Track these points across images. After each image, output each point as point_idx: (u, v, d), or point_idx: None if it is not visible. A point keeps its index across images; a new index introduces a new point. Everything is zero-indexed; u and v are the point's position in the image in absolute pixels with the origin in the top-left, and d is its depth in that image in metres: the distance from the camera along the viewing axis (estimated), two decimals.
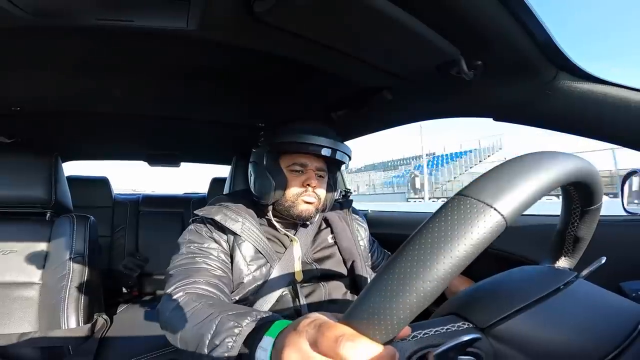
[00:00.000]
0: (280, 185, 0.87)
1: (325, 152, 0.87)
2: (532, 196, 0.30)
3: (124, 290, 1.95)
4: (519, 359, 0.36)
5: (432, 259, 0.27)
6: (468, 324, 0.39)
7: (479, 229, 0.27)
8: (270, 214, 0.92)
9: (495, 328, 0.38)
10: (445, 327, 0.38)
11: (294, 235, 0.93)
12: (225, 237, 0.87)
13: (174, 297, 0.71)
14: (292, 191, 0.89)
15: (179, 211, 2.15)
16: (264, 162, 0.89)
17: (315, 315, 0.36)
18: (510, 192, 0.29)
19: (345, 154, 0.92)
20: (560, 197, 0.46)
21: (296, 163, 0.90)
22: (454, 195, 0.31)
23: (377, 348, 0.29)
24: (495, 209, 0.28)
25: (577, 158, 0.36)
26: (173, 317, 0.67)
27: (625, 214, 0.82)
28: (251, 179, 0.93)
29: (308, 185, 0.89)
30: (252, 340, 0.50)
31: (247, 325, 0.53)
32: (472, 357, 0.34)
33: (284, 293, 0.85)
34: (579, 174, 0.36)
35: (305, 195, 0.89)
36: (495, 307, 0.40)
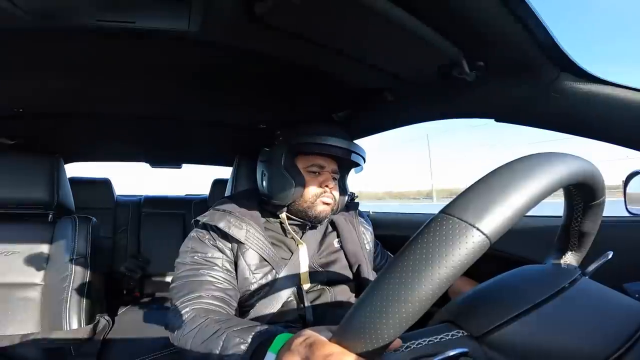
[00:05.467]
0: (299, 185, 0.87)
1: (346, 154, 0.88)
2: (519, 211, 0.29)
3: (125, 292, 1.95)
4: None
5: (413, 282, 0.28)
6: (462, 332, 0.39)
7: (461, 251, 0.27)
8: (284, 214, 0.91)
9: (491, 336, 0.37)
10: (439, 337, 0.38)
11: (301, 238, 0.93)
12: (229, 245, 0.86)
13: (181, 312, 0.73)
14: (311, 192, 0.89)
15: (180, 212, 2.15)
16: (282, 162, 0.88)
17: (308, 333, 0.38)
18: (494, 210, 0.29)
19: (362, 157, 0.93)
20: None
21: (314, 164, 0.91)
22: (438, 212, 0.31)
23: None
24: (478, 229, 0.28)
25: (570, 159, 0.35)
26: (182, 333, 0.69)
27: (627, 215, 0.82)
28: (264, 179, 0.92)
29: (326, 186, 0.90)
30: (257, 355, 0.53)
31: (252, 341, 0.56)
32: None
33: (289, 299, 0.84)
34: (572, 177, 0.35)
35: (323, 197, 0.90)
36: (491, 314, 0.39)
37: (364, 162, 0.96)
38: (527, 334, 0.37)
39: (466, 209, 0.29)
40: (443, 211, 0.30)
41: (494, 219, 0.28)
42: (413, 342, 0.37)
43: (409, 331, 0.32)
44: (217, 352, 0.59)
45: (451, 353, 0.32)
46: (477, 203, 0.29)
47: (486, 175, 0.32)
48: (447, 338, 0.38)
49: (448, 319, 0.42)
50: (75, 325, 1.07)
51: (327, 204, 0.90)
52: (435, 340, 0.37)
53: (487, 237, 0.28)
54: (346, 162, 0.94)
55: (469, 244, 0.27)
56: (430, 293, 0.27)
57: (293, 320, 0.82)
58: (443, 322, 0.42)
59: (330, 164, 0.92)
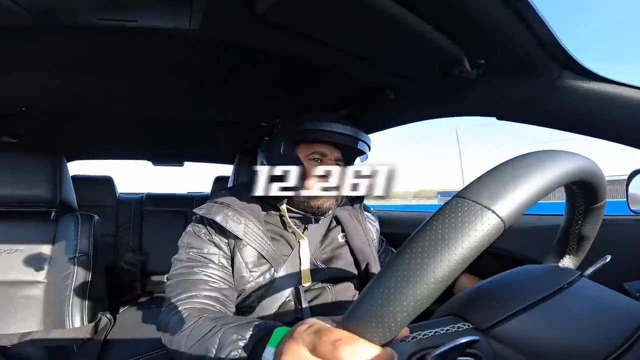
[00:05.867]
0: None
1: (350, 142, 0.85)
2: (532, 197, 0.30)
3: (126, 288, 1.95)
4: None
5: (429, 263, 0.28)
6: (468, 325, 0.39)
7: (477, 232, 0.27)
8: (284, 206, 0.86)
9: (496, 329, 0.38)
10: (445, 328, 0.38)
11: (303, 232, 0.88)
12: (226, 240, 0.81)
13: (174, 311, 0.70)
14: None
15: (182, 210, 2.16)
16: (282, 151, 0.84)
17: (312, 321, 0.37)
18: (509, 194, 0.29)
19: (367, 144, 0.89)
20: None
21: (316, 152, 0.86)
22: (453, 196, 0.31)
23: (376, 350, 0.29)
24: (493, 212, 0.28)
25: (578, 157, 0.35)
26: (175, 334, 0.66)
27: (629, 213, 0.82)
28: None
29: None
30: (256, 351, 0.51)
31: (250, 336, 0.54)
32: (471, 358, 0.34)
33: (287, 299, 0.81)
34: (580, 173, 0.35)
35: None
36: (496, 308, 0.40)
37: (369, 149, 0.92)
38: (529, 329, 0.37)
39: (481, 192, 0.29)
40: (458, 195, 0.31)
41: (509, 203, 0.29)
42: (419, 332, 0.37)
43: (414, 322, 0.31)
44: (214, 350, 0.56)
45: (463, 340, 0.32)
46: (492, 187, 0.30)
47: (500, 164, 0.33)
48: (453, 330, 0.38)
49: (453, 311, 0.42)
50: (77, 323, 1.07)
51: None
52: (442, 332, 0.38)
53: (502, 219, 0.28)
54: (350, 150, 0.90)
55: (484, 225, 0.28)
56: (446, 274, 0.27)
57: (290, 322, 0.79)
58: (448, 315, 0.42)
59: (333, 152, 0.88)
